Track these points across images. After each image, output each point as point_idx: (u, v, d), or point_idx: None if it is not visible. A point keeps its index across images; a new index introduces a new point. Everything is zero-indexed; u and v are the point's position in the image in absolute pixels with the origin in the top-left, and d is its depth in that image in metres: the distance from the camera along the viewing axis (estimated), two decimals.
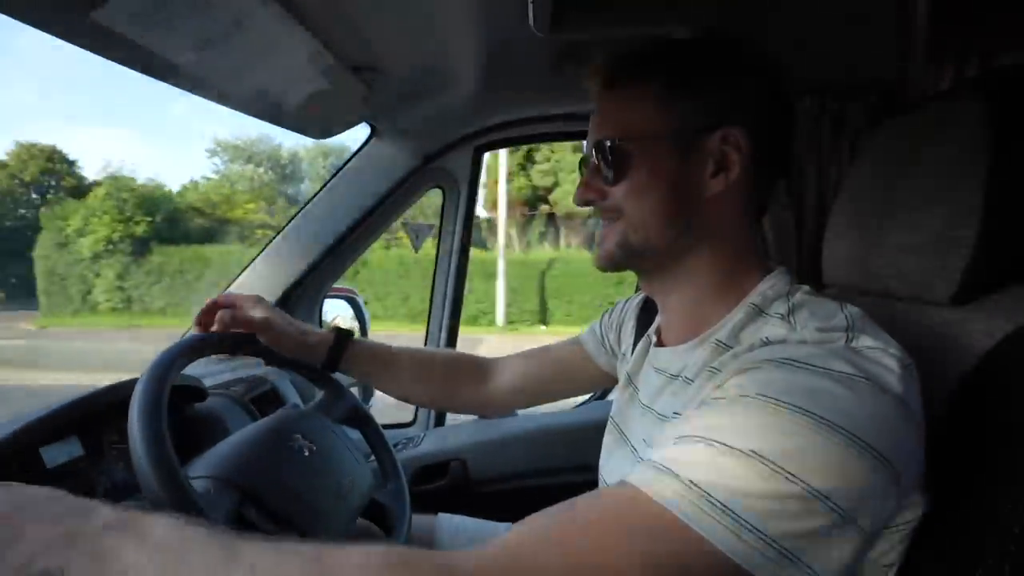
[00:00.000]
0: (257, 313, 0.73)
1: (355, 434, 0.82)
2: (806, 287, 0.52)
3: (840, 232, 0.64)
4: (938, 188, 0.50)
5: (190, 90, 0.67)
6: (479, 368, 0.86)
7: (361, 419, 0.82)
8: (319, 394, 0.81)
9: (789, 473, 0.35)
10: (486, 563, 0.37)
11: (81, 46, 0.53)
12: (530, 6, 0.73)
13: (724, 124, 0.51)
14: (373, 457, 0.83)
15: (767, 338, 0.45)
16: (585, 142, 0.60)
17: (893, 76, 0.83)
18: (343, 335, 0.78)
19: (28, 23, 0.51)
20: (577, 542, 0.37)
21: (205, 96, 0.70)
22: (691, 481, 0.36)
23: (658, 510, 0.36)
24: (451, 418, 1.34)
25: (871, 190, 0.60)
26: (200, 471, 0.55)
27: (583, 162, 0.59)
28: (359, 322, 1.45)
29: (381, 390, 0.83)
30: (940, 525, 0.41)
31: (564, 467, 1.16)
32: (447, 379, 0.84)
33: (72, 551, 0.35)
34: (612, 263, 0.56)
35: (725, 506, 0.35)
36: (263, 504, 0.55)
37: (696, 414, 0.41)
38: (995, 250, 0.46)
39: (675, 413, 0.51)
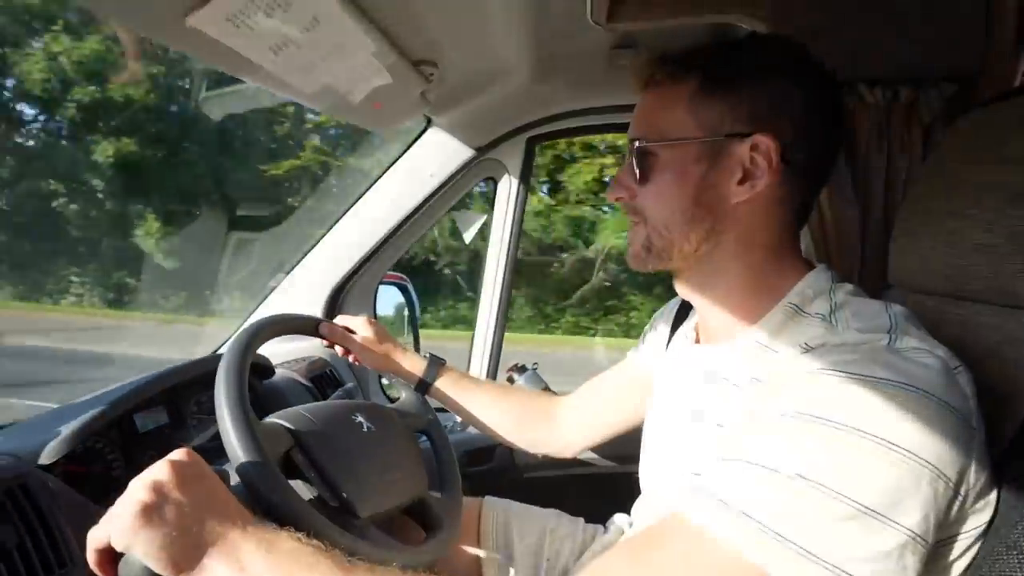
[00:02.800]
0: (360, 334, 0.83)
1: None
2: (849, 286, 0.51)
3: (909, 229, 0.62)
4: (1017, 185, 0.47)
5: (266, 86, 0.71)
6: (552, 406, 0.87)
7: (432, 430, 0.83)
8: (403, 397, 0.84)
9: (841, 494, 0.35)
10: None
11: (175, 47, 0.58)
12: None
13: (756, 131, 0.49)
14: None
15: (807, 343, 0.45)
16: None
17: (974, 65, 0.78)
18: (435, 361, 0.84)
19: (127, 26, 0.56)
20: None
21: (279, 91, 0.74)
22: (743, 512, 0.37)
23: (715, 545, 0.37)
24: None
25: (946, 186, 0.58)
26: (271, 418, 0.61)
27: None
28: (409, 308, 1.50)
29: (458, 413, 0.87)
30: (1007, 535, 0.40)
31: (610, 455, 1.17)
32: (519, 416, 0.87)
33: (216, 544, 0.42)
34: (640, 263, 0.56)
35: (780, 535, 0.35)
36: (311, 455, 0.59)
37: (742, 435, 0.42)
38: None
39: (719, 424, 0.50)
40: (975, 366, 0.45)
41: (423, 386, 0.83)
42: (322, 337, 0.82)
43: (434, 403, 0.86)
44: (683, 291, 0.60)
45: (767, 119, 0.50)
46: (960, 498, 0.38)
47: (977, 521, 0.40)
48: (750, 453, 0.39)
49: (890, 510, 0.35)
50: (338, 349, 0.85)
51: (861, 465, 0.35)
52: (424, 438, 0.82)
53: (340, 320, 0.84)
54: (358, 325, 0.84)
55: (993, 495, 0.40)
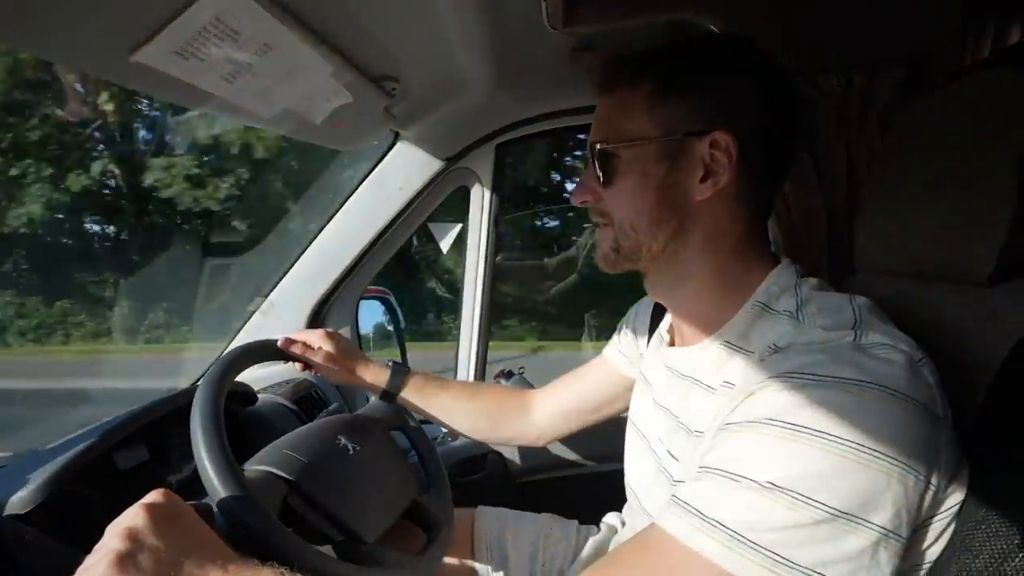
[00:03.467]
0: (321, 351, 0.80)
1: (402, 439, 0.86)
2: (813, 280, 0.51)
3: (871, 213, 0.63)
4: (974, 165, 0.49)
5: (221, 114, 0.71)
6: (523, 400, 0.88)
7: (408, 428, 0.85)
8: (371, 400, 0.84)
9: (811, 499, 0.35)
10: None
11: (120, 83, 0.57)
12: (543, 2, 0.74)
13: (713, 129, 0.50)
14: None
15: (775, 344, 0.45)
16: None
17: (925, 49, 0.80)
18: (398, 370, 0.83)
19: (69, 65, 0.55)
20: None
21: (235, 117, 0.74)
22: (719, 523, 0.37)
23: (695, 558, 0.37)
24: None
25: (903, 170, 0.59)
26: (253, 464, 0.59)
27: (584, 162, 0.60)
28: (393, 321, 1.50)
29: (429, 419, 0.87)
30: (978, 512, 0.41)
31: (601, 456, 1.18)
32: (491, 413, 0.87)
33: None
34: (610, 264, 0.57)
35: (756, 544, 0.36)
36: (308, 496, 0.59)
37: (716, 443, 0.42)
38: None
39: (697, 431, 0.51)
40: (939, 344, 0.46)
41: (389, 396, 0.82)
42: (281, 356, 0.79)
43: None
44: (653, 292, 0.61)
45: (724, 117, 0.50)
46: (932, 488, 0.39)
47: (949, 503, 0.41)
48: (723, 462, 0.40)
49: (861, 511, 0.35)
50: (298, 365, 0.83)
51: (831, 470, 0.36)
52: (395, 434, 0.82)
53: (297, 336, 0.82)
54: (316, 339, 0.81)
55: (963, 475, 0.41)
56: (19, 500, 0.58)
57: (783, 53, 0.56)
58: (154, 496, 0.45)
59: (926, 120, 0.57)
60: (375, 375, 0.82)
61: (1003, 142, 0.45)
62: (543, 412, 0.86)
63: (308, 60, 0.67)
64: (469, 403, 0.87)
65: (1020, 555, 0.37)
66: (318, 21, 0.64)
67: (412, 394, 0.83)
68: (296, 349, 0.78)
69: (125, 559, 0.40)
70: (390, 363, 0.84)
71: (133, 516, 0.43)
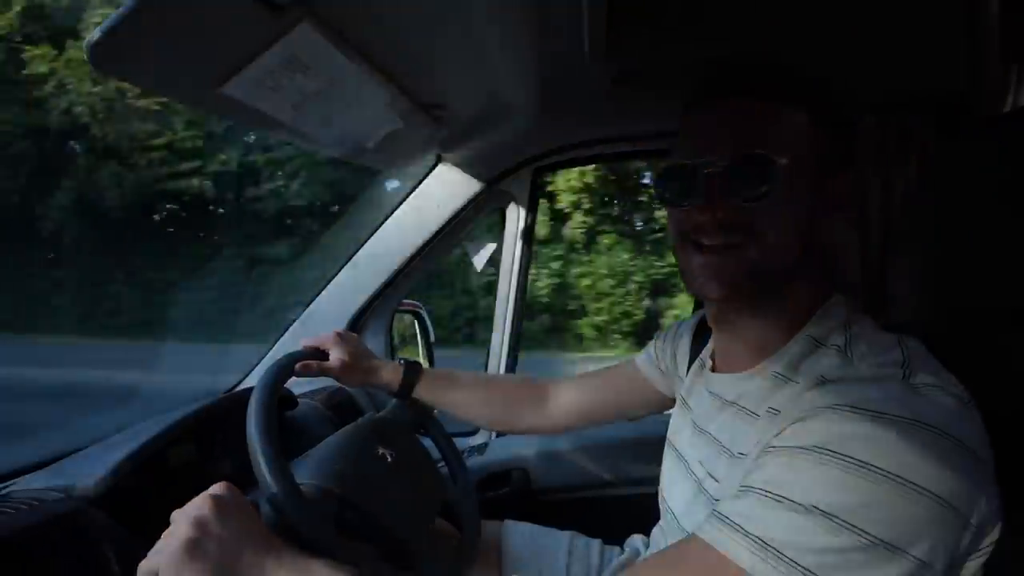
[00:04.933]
0: (333, 357, 0.80)
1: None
2: (865, 317, 0.52)
3: (906, 251, 0.64)
4: (1008, 207, 0.50)
5: (286, 138, 0.76)
6: (539, 391, 0.90)
7: (429, 425, 0.88)
8: (391, 402, 0.87)
9: (852, 526, 0.36)
10: None
11: (206, 111, 0.63)
12: (585, 34, 0.78)
13: (844, 169, 0.51)
14: (443, 462, 0.90)
15: (823, 376, 0.46)
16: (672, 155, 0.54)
17: (963, 87, 0.80)
18: (412, 367, 0.85)
19: (164, 95, 0.61)
20: None
21: (298, 142, 0.79)
22: (759, 538, 0.38)
23: (732, 570, 0.39)
24: None
25: (938, 208, 0.60)
26: (305, 478, 0.62)
27: (686, 170, 0.51)
28: (423, 335, 1.54)
29: (447, 413, 0.89)
30: (1014, 553, 0.42)
31: (625, 479, 1.18)
32: (509, 403, 0.89)
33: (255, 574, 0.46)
34: (736, 291, 0.51)
35: (794, 562, 0.37)
36: (359, 509, 0.62)
37: (760, 464, 0.43)
38: None
39: (740, 453, 0.51)
40: (977, 385, 0.46)
41: (403, 394, 0.84)
42: (300, 375, 0.78)
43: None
44: (725, 315, 0.58)
45: (848, 157, 0.51)
46: (970, 527, 0.39)
47: (985, 544, 0.41)
48: (767, 483, 0.40)
49: (901, 541, 0.36)
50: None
51: (874, 500, 0.37)
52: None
53: (308, 342, 0.82)
54: (328, 343, 0.81)
55: (1000, 519, 0.42)
56: (90, 486, 0.62)
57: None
58: (219, 488, 0.49)
59: (964, 161, 0.58)
60: (389, 375, 0.84)
61: None
62: (560, 406, 0.87)
63: (366, 90, 0.72)
64: (485, 395, 0.88)
65: None
66: (376, 54, 0.70)
67: (427, 390, 0.85)
68: (312, 369, 0.78)
69: (194, 544, 0.44)
70: (402, 361, 0.86)
71: (200, 505, 0.47)
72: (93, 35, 0.45)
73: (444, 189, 1.19)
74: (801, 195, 0.49)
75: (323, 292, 1.23)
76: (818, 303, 0.53)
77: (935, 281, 0.58)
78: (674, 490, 0.64)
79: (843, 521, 0.36)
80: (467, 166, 1.16)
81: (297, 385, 1.08)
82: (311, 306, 1.23)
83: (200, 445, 0.84)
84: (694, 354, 0.72)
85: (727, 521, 0.41)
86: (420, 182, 1.19)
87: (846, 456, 0.38)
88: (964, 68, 0.79)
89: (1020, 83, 0.83)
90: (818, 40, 0.84)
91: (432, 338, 1.56)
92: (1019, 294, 0.48)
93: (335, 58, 0.62)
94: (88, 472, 0.64)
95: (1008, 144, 0.52)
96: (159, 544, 0.46)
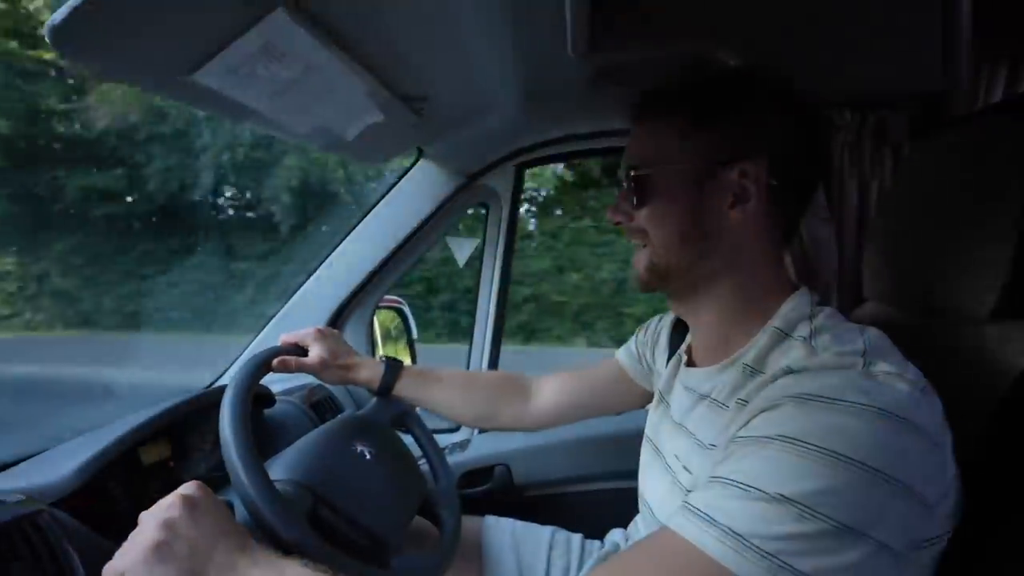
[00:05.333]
0: (313, 354, 0.79)
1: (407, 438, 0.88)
2: (828, 309, 0.54)
3: (880, 246, 0.65)
4: (977, 205, 0.51)
5: (264, 129, 0.74)
6: (521, 387, 0.90)
7: (410, 422, 0.87)
8: (372, 400, 0.87)
9: (816, 512, 0.37)
10: None
11: (177, 100, 0.61)
12: (568, 30, 0.77)
13: (744, 158, 0.53)
14: (423, 458, 0.89)
15: (789, 367, 0.47)
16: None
17: (937, 88, 0.82)
18: (392, 364, 0.84)
19: (133, 84, 0.59)
20: None
21: (275, 133, 0.78)
22: (727, 527, 0.39)
23: (702, 559, 0.39)
24: None
25: (911, 206, 0.61)
26: (279, 474, 0.61)
27: (618, 184, 0.63)
28: (406, 330, 1.52)
29: (429, 410, 0.88)
30: (975, 537, 0.43)
31: (605, 474, 1.19)
32: (491, 399, 0.89)
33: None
34: (644, 284, 0.60)
35: (763, 550, 0.38)
36: (335, 506, 0.61)
37: (729, 454, 0.44)
38: None
39: (711, 444, 0.53)
40: (942, 376, 0.47)
41: (384, 391, 0.84)
42: (277, 371, 0.76)
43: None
44: (678, 311, 0.64)
45: (753, 147, 0.54)
46: (930, 509, 0.40)
47: (945, 526, 0.43)
48: (734, 473, 0.41)
49: (864, 525, 0.37)
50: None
51: (838, 486, 0.38)
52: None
53: (288, 338, 0.81)
54: (308, 339, 0.81)
55: (960, 501, 0.43)
56: (54, 488, 0.60)
57: (798, 87, 0.59)
58: (190, 488, 0.48)
59: (934, 158, 0.59)
60: (370, 372, 0.83)
61: (1007, 185, 0.47)
62: (543, 401, 0.88)
63: (345, 80, 0.71)
64: (466, 391, 0.88)
65: None
66: (356, 43, 0.68)
67: (408, 387, 0.84)
68: (290, 365, 0.77)
69: (162, 546, 0.43)
70: (383, 359, 0.86)
71: (169, 505, 0.46)
72: (55, 16, 0.43)
73: (425, 183, 1.17)
74: (683, 198, 0.56)
75: (303, 287, 1.21)
76: (784, 296, 0.56)
77: (909, 276, 0.59)
78: (651, 484, 0.65)
79: (807, 507, 0.37)
80: (449, 160, 1.15)
81: (276, 383, 1.06)
82: (290, 302, 1.21)
83: (174, 444, 0.82)
84: (673, 349, 0.72)
85: (696, 511, 0.42)
86: (401, 177, 1.18)
87: (809, 444, 0.39)
88: (940, 68, 0.81)
89: (991, 82, 0.86)
90: (799, 39, 0.85)
91: (415, 335, 1.55)
92: (987, 291, 0.49)
93: (312, 46, 0.60)
94: (53, 473, 0.62)
95: (978, 141, 0.53)
96: (125, 545, 0.45)
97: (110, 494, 0.71)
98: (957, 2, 0.82)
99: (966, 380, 0.49)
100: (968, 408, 0.47)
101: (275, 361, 0.74)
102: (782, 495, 0.38)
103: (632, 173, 0.57)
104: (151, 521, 0.45)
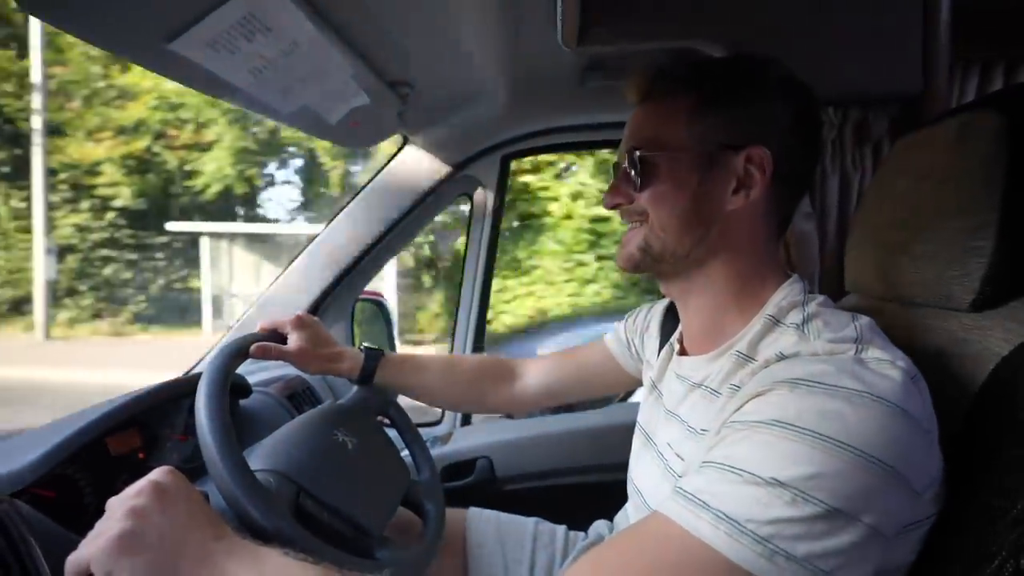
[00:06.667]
0: (292, 341, 0.76)
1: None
2: (820, 297, 0.54)
3: (862, 240, 0.66)
4: (958, 199, 0.52)
5: (245, 107, 0.72)
6: (506, 370, 0.89)
7: (392, 412, 0.86)
8: (352, 390, 0.85)
9: (809, 496, 0.37)
10: None
11: (154, 71, 0.58)
12: (558, 22, 0.77)
13: (750, 144, 0.53)
14: (406, 450, 0.87)
15: (782, 352, 0.47)
16: (618, 149, 0.63)
17: (917, 88, 0.84)
18: (373, 353, 0.83)
19: (107, 50, 0.56)
20: None
21: (257, 112, 0.75)
22: (722, 512, 0.39)
23: (695, 544, 0.39)
24: (476, 417, 1.38)
25: (893, 200, 0.62)
26: (259, 464, 0.59)
27: (615, 167, 0.62)
28: (386, 324, 1.50)
29: (413, 398, 0.86)
30: (955, 522, 0.43)
31: (588, 467, 1.19)
32: (475, 382, 0.87)
33: (202, 567, 0.42)
34: (632, 264, 0.59)
35: (755, 534, 0.37)
36: (317, 496, 0.59)
37: (721, 439, 0.44)
38: (1013, 259, 0.48)
39: (703, 430, 0.52)
40: (925, 365, 0.48)
41: (365, 380, 0.82)
42: (255, 357, 0.73)
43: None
44: (671, 297, 0.63)
45: (761, 134, 0.53)
46: (918, 494, 0.41)
47: (930, 511, 0.44)
48: (727, 457, 0.41)
49: (855, 509, 0.38)
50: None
51: (831, 471, 0.38)
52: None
53: (267, 324, 0.79)
54: (286, 327, 0.78)
55: (944, 487, 0.44)
56: (14, 478, 0.57)
57: None
58: (161, 474, 0.46)
59: (914, 154, 0.60)
60: (350, 362, 0.81)
61: (984, 178, 0.48)
62: (530, 384, 0.87)
63: (330, 60, 0.69)
64: (449, 375, 0.86)
65: (992, 563, 0.39)
66: (343, 23, 0.67)
67: (389, 374, 0.82)
68: (269, 352, 0.74)
69: (130, 535, 0.41)
70: (364, 348, 0.84)
71: (138, 492, 0.44)
72: None
73: (410, 172, 1.16)
74: (686, 181, 0.55)
75: (281, 276, 1.18)
76: (777, 285, 0.56)
77: (890, 270, 0.60)
78: (642, 471, 0.64)
79: (800, 491, 0.37)
80: (434, 149, 1.14)
81: (252, 375, 1.03)
82: (268, 291, 1.18)
83: (144, 434, 0.79)
84: (664, 338, 0.72)
85: (688, 496, 0.41)
86: (385, 165, 1.16)
87: (802, 428, 0.39)
88: (920, 71, 0.83)
89: (964, 84, 0.88)
90: (784, 38, 0.86)
91: (395, 328, 1.53)
92: (967, 282, 0.50)
93: (297, 20, 0.58)
94: (13, 462, 0.59)
95: (957, 136, 0.54)
96: (92, 533, 0.42)
97: (76, 485, 0.68)
98: (936, 10, 0.84)
99: (948, 370, 0.50)
100: (950, 396, 0.48)
101: (253, 347, 0.71)
102: (775, 479, 0.38)
103: (637, 154, 0.56)
104: (119, 508, 0.43)
